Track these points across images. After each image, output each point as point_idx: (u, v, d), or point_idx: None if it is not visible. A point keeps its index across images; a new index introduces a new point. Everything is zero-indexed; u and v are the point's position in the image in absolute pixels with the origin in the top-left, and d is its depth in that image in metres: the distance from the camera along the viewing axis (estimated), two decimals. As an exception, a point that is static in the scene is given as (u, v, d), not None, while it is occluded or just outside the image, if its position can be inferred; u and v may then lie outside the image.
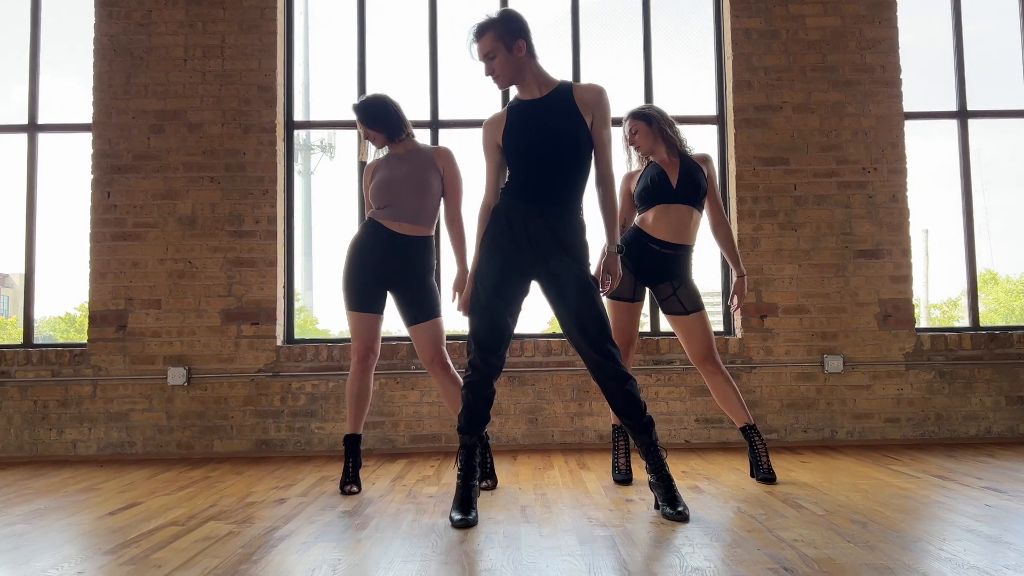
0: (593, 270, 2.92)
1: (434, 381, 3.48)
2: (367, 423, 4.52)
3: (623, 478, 3.45)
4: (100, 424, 4.56)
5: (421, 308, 3.38)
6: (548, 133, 2.84)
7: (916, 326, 4.64)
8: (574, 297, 2.79)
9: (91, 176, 4.68)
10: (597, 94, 2.88)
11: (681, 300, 3.44)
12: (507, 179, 2.96)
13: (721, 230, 3.63)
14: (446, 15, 4.97)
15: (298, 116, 4.94)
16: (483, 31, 2.82)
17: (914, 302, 4.66)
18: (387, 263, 3.37)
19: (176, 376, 4.54)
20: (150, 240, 4.65)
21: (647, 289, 3.54)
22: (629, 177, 3.59)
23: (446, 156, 3.52)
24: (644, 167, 3.54)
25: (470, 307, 2.90)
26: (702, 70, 4.98)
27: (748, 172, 4.70)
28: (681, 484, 3.36)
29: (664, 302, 3.48)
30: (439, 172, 3.48)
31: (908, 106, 4.78)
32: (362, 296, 3.39)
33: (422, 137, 4.77)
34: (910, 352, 4.62)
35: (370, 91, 4.86)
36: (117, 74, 4.71)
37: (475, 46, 2.84)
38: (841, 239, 4.67)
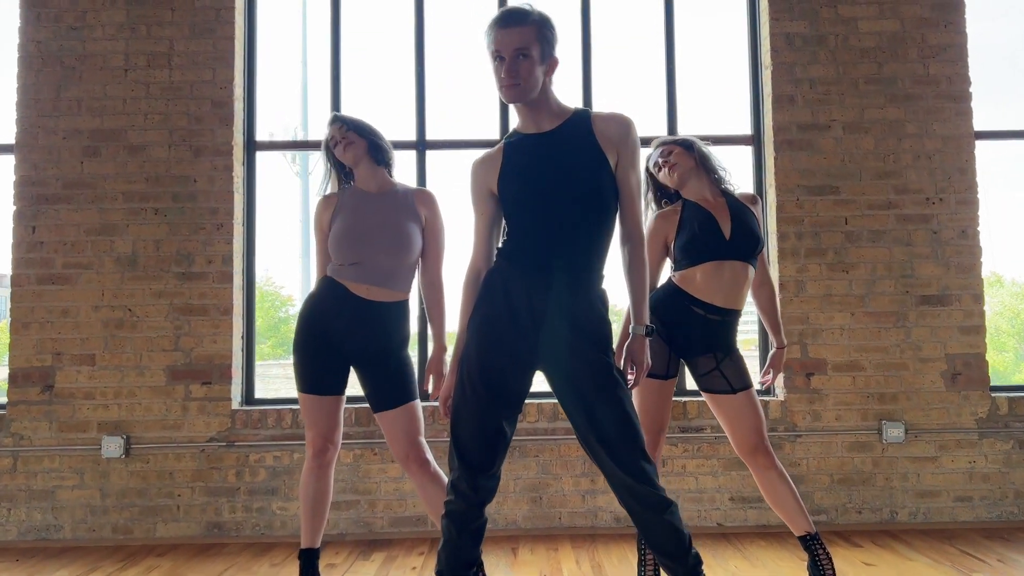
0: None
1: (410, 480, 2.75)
2: (339, 502, 3.79)
3: (653, 606, 2.72)
4: (21, 504, 3.83)
5: (393, 391, 2.65)
6: (560, 176, 2.11)
7: (990, 385, 3.92)
8: (593, 398, 2.07)
9: (12, 208, 3.95)
10: (624, 126, 2.16)
11: (727, 376, 2.72)
12: (504, 237, 2.24)
13: (765, 290, 2.93)
14: (434, 14, 4.24)
15: (262, 135, 4.21)
16: (523, 19, 2.08)
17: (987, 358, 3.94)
18: (352, 335, 2.65)
19: (112, 447, 3.80)
20: (83, 284, 3.91)
21: (681, 361, 2.82)
22: (662, 217, 2.83)
23: (429, 201, 2.81)
24: (679, 208, 2.81)
25: (453, 408, 2.18)
26: (735, 82, 4.26)
27: (791, 203, 3.98)
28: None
29: (704, 378, 2.75)
30: (420, 221, 2.76)
31: (978, 124, 4.06)
32: (318, 375, 2.67)
33: (407, 163, 4.06)
34: (983, 417, 3.89)
35: (345, 109, 4.15)
36: (45, 87, 3.98)
37: (502, 32, 2.06)
38: (901, 283, 3.94)
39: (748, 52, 4.22)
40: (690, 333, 2.74)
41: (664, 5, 4.20)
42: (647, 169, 2.91)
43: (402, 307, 2.71)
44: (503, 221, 2.25)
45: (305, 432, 2.72)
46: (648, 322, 2.22)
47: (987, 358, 3.94)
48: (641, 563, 2.82)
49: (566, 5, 4.22)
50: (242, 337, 4.02)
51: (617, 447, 2.05)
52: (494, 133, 4.15)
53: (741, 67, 4.22)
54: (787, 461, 3.84)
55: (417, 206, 2.77)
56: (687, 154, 2.83)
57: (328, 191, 2.84)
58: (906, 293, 3.94)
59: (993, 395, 3.91)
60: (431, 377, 2.69)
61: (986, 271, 3.97)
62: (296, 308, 22.83)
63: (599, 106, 4.17)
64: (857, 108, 4.01)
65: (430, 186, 4.07)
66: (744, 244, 2.73)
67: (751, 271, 2.79)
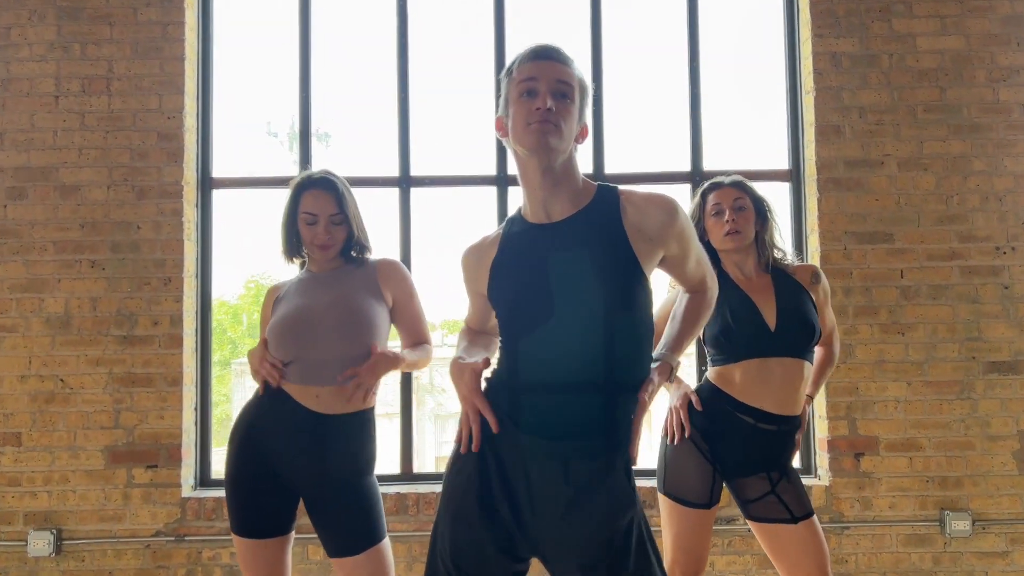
0: None
1: None
2: (307, 609, 3.23)
3: None
4: (-67, 610, 3.27)
5: (352, 535, 2.08)
6: (568, 288, 1.53)
7: (1068, 466, 3.36)
8: None
9: (-76, 259, 3.37)
10: (667, 212, 1.58)
11: (785, 501, 2.17)
12: (497, 361, 1.66)
13: (824, 369, 2.39)
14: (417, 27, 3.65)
15: (220, 170, 3.62)
16: (567, 59, 1.58)
17: (1067, 434, 3.37)
18: (295, 460, 2.07)
19: (40, 543, 3.23)
20: (6, 349, 3.33)
21: (724, 484, 2.25)
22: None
23: (393, 270, 2.24)
24: None
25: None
26: (771, 109, 3.67)
27: (836, 252, 3.39)
28: None
29: (754, 504, 2.20)
30: (384, 299, 2.18)
31: (1053, 159, 3.48)
32: (254, 516, 2.10)
33: (390, 201, 3.49)
34: (1063, 505, 3.33)
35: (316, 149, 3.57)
36: (-38, 116, 3.39)
37: (542, 64, 1.53)
38: (966, 347, 3.36)
39: (786, 74, 3.62)
40: (736, 447, 2.18)
41: (687, 16, 3.61)
42: (702, 212, 2.33)
43: (361, 421, 2.12)
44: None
45: None
46: (677, 360, 1.67)
47: (1067, 435, 3.37)
48: None
49: (572, 7, 3.64)
50: (195, 409, 3.45)
51: None
52: (489, 169, 3.56)
53: (778, 91, 3.63)
54: (834, 556, 3.27)
55: (379, 279, 2.20)
56: (753, 213, 2.26)
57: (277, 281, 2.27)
58: (972, 359, 3.36)
59: (1073, 478, 3.35)
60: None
61: None
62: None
63: (609, 137, 3.59)
64: (915, 141, 3.42)
65: (415, 226, 3.51)
66: (795, 337, 2.17)
67: (807, 368, 2.23)
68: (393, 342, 2.29)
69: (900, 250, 3.40)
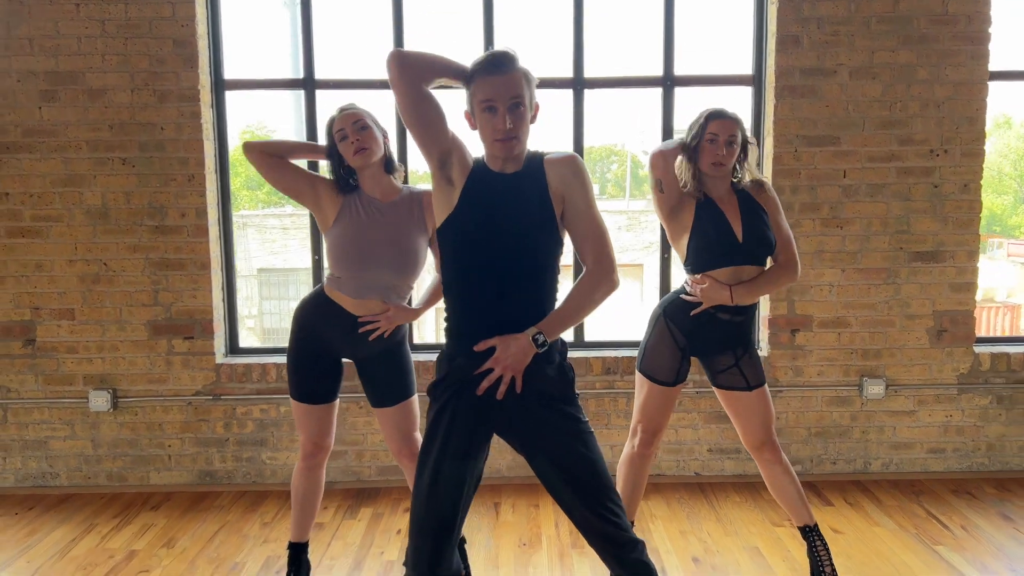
0: None
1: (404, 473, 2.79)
2: (326, 454, 3.88)
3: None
4: (15, 453, 3.91)
5: (391, 389, 2.63)
6: (513, 228, 1.99)
7: (977, 337, 3.92)
8: (560, 452, 2.05)
9: (-27, 157, 3.77)
10: (571, 165, 2.04)
11: (744, 373, 2.71)
12: (448, 303, 2.10)
13: (782, 275, 2.70)
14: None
15: (231, 72, 3.94)
16: (513, 64, 1.93)
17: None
18: (347, 345, 2.61)
19: (99, 400, 3.84)
20: (54, 237, 3.80)
21: (690, 366, 2.77)
22: (681, 194, 2.67)
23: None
24: (689, 200, 2.64)
25: (418, 496, 2.03)
26: (739, 18, 3.93)
27: (788, 154, 3.80)
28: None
29: (721, 375, 2.73)
30: (427, 231, 2.61)
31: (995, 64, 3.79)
32: (311, 386, 2.65)
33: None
34: (965, 373, 3.91)
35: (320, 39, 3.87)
36: (-8, 23, 3.68)
37: (494, 80, 1.91)
38: (895, 239, 3.84)
39: (754, -17, 3.88)
40: (710, 336, 2.70)
41: (665, -76, 3.82)
42: (689, 140, 2.62)
43: None
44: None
45: (299, 434, 2.72)
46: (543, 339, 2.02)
47: (974, 315, 3.91)
48: None
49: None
50: (222, 289, 3.96)
51: (587, 490, 2.05)
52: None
53: (746, 2, 3.89)
54: (767, 414, 3.89)
55: (425, 213, 2.60)
56: (739, 154, 2.64)
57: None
58: (900, 249, 3.84)
59: (977, 350, 3.91)
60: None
61: (996, 112, 3.83)
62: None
63: (592, 44, 3.89)
64: (866, 51, 3.74)
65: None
66: (757, 248, 2.64)
67: (763, 268, 2.70)
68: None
69: (845, 152, 3.80)
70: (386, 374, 2.62)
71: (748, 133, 2.70)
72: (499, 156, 1.98)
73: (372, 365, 2.64)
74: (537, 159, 2.04)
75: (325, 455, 2.75)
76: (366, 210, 2.55)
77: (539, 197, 2.00)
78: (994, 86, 3.80)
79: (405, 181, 2.79)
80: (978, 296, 3.94)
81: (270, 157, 2.55)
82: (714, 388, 2.80)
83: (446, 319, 2.11)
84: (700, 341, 2.71)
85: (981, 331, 11.24)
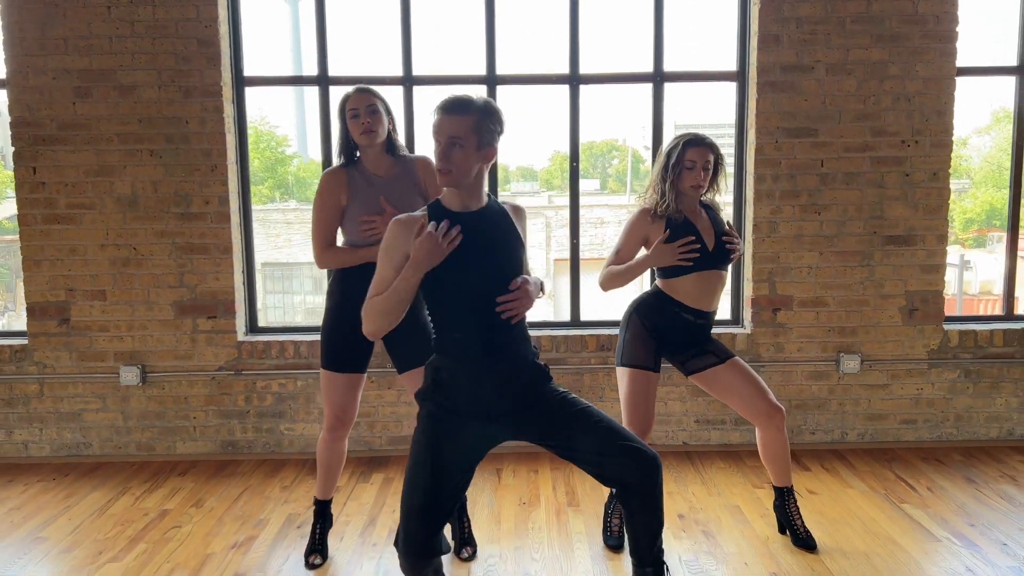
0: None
1: None
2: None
3: (616, 543, 3.13)
4: (51, 425, 4.21)
5: (415, 353, 2.86)
6: (495, 257, 2.21)
7: (947, 316, 4.21)
8: (567, 427, 2.24)
9: (11, 148, 4.05)
10: (523, 214, 2.33)
11: (711, 351, 2.98)
12: (437, 327, 2.31)
13: None
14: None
15: (250, 69, 4.22)
16: (463, 109, 2.10)
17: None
18: None
19: (129, 375, 4.13)
20: (87, 223, 4.09)
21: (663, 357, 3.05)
22: (648, 216, 2.93)
23: (425, 165, 2.93)
24: (662, 218, 2.90)
25: (412, 486, 2.19)
26: (724, 16, 4.21)
27: (769, 145, 4.08)
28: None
29: (690, 362, 2.99)
30: (423, 191, 2.90)
31: (962, 60, 4.07)
32: (343, 355, 2.90)
33: (394, 98, 4.11)
34: (935, 349, 4.20)
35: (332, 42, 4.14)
36: (29, 24, 3.96)
37: (442, 118, 2.10)
38: (869, 224, 4.12)
39: (738, -15, 4.15)
40: (678, 336, 2.97)
41: (655, -70, 4.09)
42: (669, 162, 2.87)
43: None
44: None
45: (324, 404, 2.99)
46: None
47: (943, 295, 4.19)
48: (607, 513, 3.18)
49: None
50: (243, 272, 4.25)
51: (606, 443, 2.19)
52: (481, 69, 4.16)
53: (731, 2, 4.17)
54: (750, 388, 4.18)
55: (418, 173, 2.89)
56: (711, 174, 2.89)
57: (335, 163, 2.93)
58: (874, 234, 4.13)
59: (946, 328, 4.20)
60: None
61: (995, 106, 4.10)
62: (292, 149, 22.58)
63: (588, 42, 4.18)
64: (842, 49, 4.01)
65: (417, 122, 4.15)
66: (722, 255, 2.93)
67: (726, 276, 3.00)
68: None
69: (822, 143, 4.08)
70: (410, 338, 2.86)
71: (721, 159, 2.94)
72: (440, 186, 2.19)
73: (397, 331, 2.90)
74: (494, 200, 2.29)
75: (346, 429, 2.99)
76: (369, 182, 2.84)
77: (510, 226, 2.25)
78: (977, 81, 4.07)
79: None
80: (976, 289, 4.21)
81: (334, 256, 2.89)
82: (692, 379, 3.02)
83: (434, 333, 2.31)
84: (667, 340, 2.97)
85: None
